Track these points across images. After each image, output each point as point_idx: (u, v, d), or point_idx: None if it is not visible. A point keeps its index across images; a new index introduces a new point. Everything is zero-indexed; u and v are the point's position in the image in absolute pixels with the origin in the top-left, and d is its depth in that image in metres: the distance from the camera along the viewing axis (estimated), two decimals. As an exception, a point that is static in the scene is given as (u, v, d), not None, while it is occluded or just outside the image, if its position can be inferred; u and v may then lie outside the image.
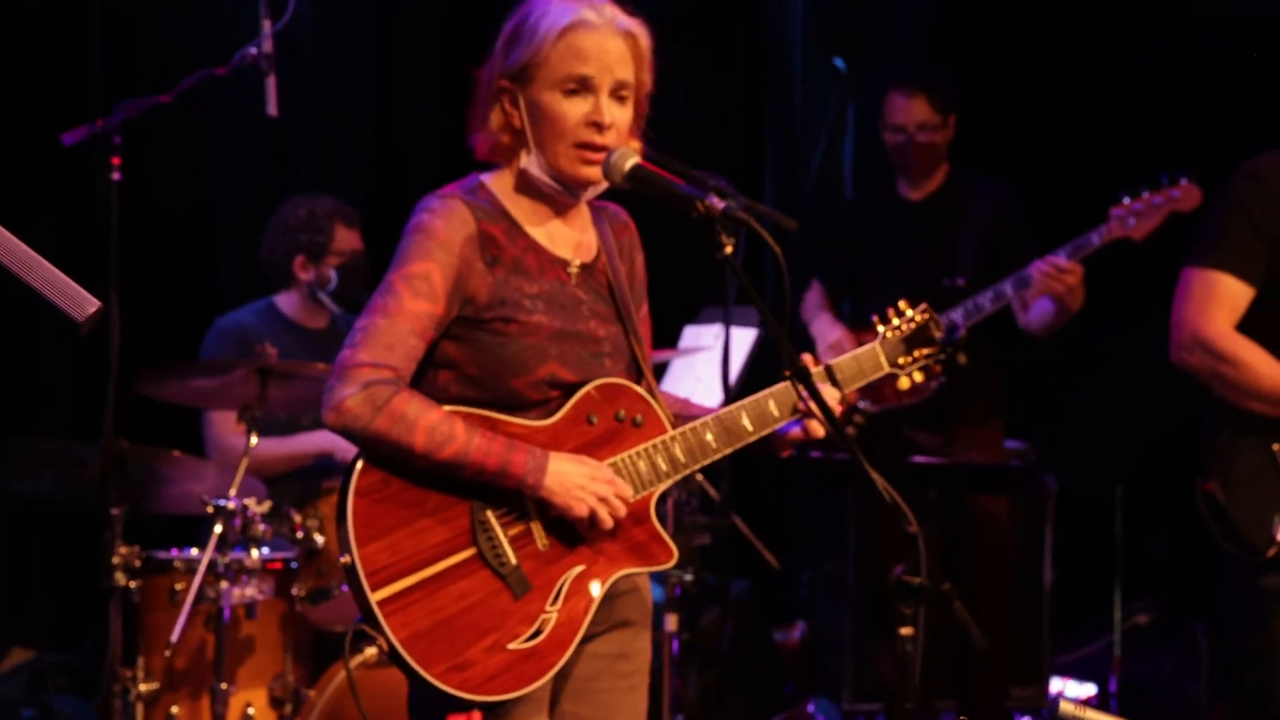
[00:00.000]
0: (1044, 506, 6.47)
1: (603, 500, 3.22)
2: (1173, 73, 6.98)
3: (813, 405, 3.29)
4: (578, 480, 3.20)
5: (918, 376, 3.64)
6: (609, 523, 3.23)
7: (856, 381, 3.53)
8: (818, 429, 3.40)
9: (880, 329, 3.61)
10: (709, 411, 3.43)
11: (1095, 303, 5.84)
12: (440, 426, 3.14)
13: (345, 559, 3.13)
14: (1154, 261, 5.71)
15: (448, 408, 3.20)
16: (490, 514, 3.20)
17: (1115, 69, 7.22)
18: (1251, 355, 4.42)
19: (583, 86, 3.27)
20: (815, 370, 3.40)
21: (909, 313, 3.64)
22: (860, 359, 3.56)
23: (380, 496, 3.16)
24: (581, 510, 3.20)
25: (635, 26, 3.33)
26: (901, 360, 3.61)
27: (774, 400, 3.40)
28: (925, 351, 3.63)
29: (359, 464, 3.17)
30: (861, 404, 6.03)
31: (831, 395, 3.38)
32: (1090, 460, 7.04)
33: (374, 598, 3.09)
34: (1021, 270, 5.82)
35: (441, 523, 3.18)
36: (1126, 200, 5.71)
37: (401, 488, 3.17)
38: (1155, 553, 7.04)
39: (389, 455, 3.15)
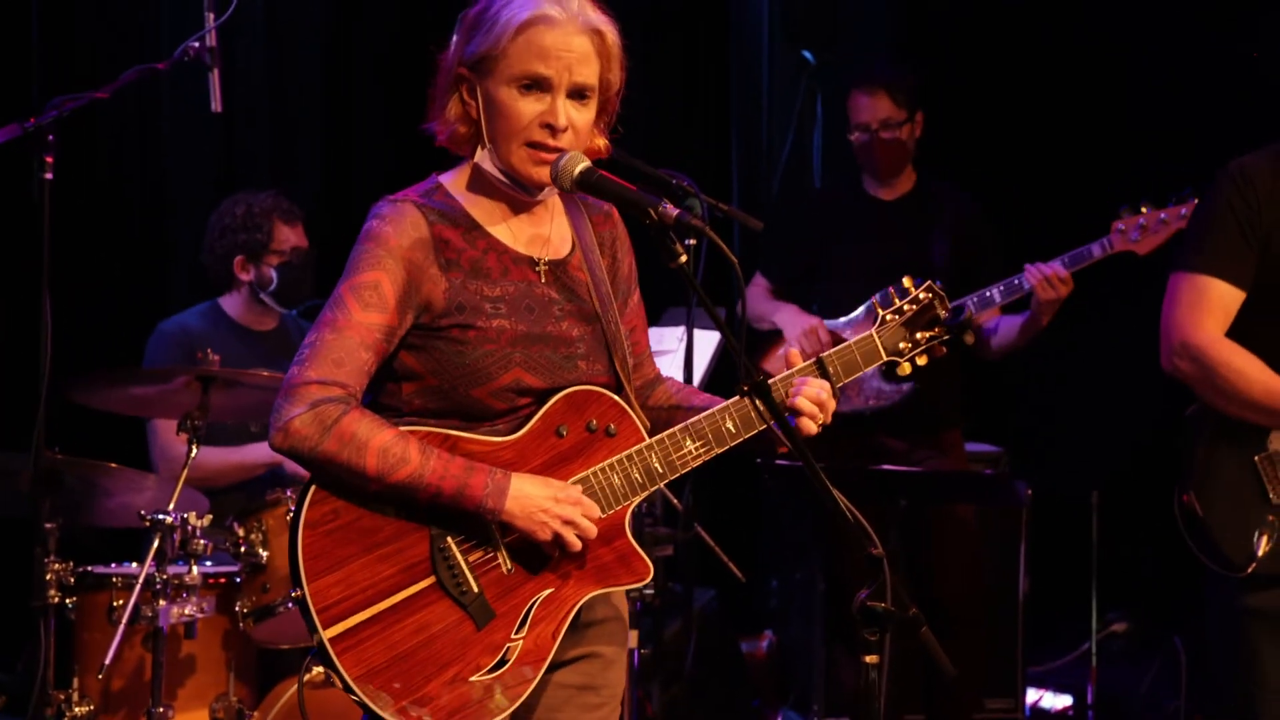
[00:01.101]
0: (1018, 515, 6.37)
1: (569, 523, 3.09)
2: (1157, 68, 6.89)
3: (770, 422, 3.17)
4: (541, 503, 3.08)
5: (920, 361, 3.45)
6: (576, 546, 3.11)
7: (852, 372, 3.37)
8: (809, 426, 3.24)
9: (880, 313, 3.43)
10: (714, 401, 3.29)
11: (1071, 306, 5.71)
12: (393, 448, 3.01)
13: (297, 593, 3.03)
14: (1131, 264, 5.63)
15: (405, 426, 3.09)
16: (450, 540, 3.09)
17: (1090, 62, 7.15)
18: (1243, 362, 4.31)
19: (539, 85, 3.14)
20: (805, 364, 3.28)
21: (913, 291, 3.46)
22: (856, 348, 3.39)
23: (332, 527, 3.04)
24: (545, 534, 3.09)
25: (603, 24, 3.19)
26: (903, 345, 3.44)
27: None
28: (929, 334, 3.45)
29: (309, 493, 3.05)
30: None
31: (819, 385, 3.24)
32: (1066, 466, 6.96)
33: (326, 635, 3.00)
34: (1013, 277, 5.73)
35: (398, 551, 3.07)
36: (1128, 213, 5.64)
37: (355, 516, 3.05)
38: (1132, 560, 6.95)
39: (339, 479, 3.03)
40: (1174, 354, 4.38)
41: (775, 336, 6.15)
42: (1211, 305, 4.33)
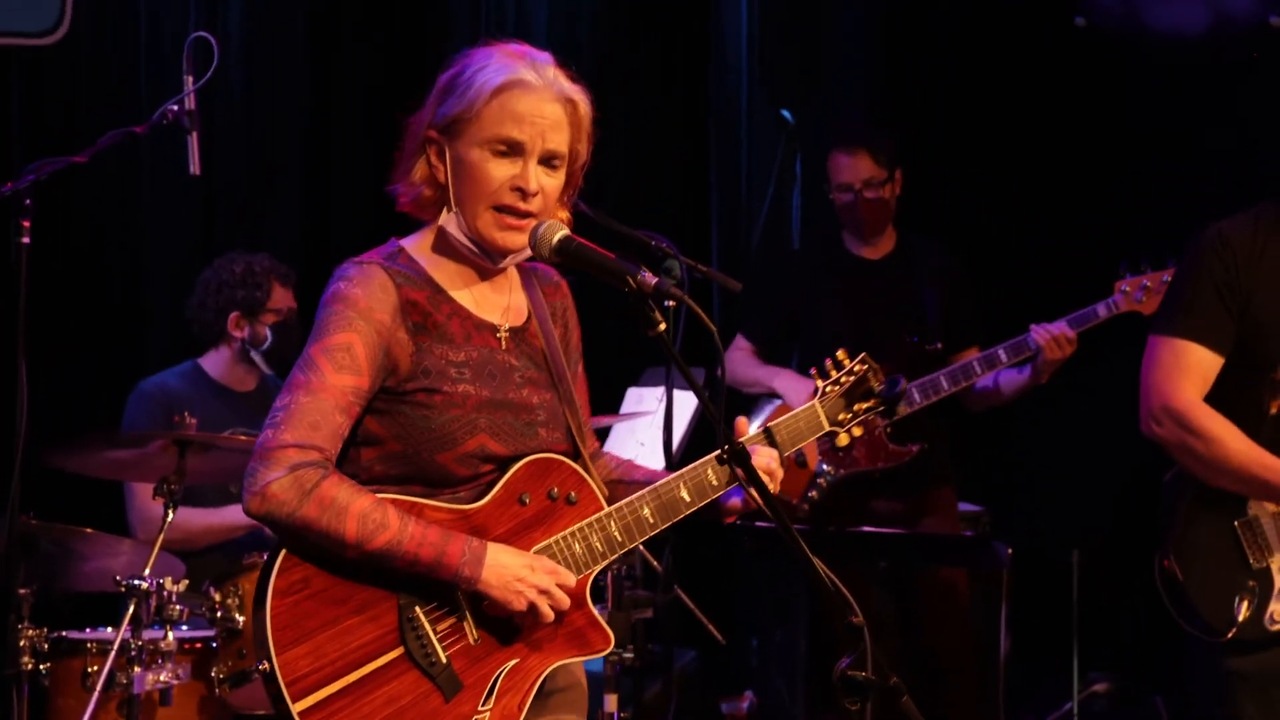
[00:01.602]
0: (999, 576, 6.35)
1: (544, 592, 3.08)
2: (1125, 130, 6.91)
3: (749, 488, 3.18)
4: (517, 572, 3.06)
5: (856, 432, 3.51)
6: (550, 616, 3.09)
7: (797, 442, 3.42)
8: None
9: (819, 384, 3.49)
10: (655, 474, 3.32)
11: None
12: (372, 514, 2.98)
13: (264, 666, 2.97)
14: (1110, 324, 5.64)
15: (373, 491, 3.05)
16: (418, 609, 3.06)
17: (1061, 118, 7.13)
18: (1221, 430, 4.29)
19: (512, 149, 3.14)
20: (751, 435, 3.30)
21: (848, 364, 3.52)
22: (801, 418, 3.44)
23: (301, 596, 3.00)
24: (521, 604, 3.06)
25: (576, 93, 3.20)
26: (842, 416, 3.50)
27: (713, 469, 3.28)
28: (865, 405, 3.51)
29: (279, 559, 3.00)
30: (825, 467, 5.88)
31: (769, 455, 3.27)
32: (1047, 525, 6.94)
33: (295, 709, 2.95)
34: (1020, 338, 5.78)
35: (367, 621, 3.03)
36: (1129, 273, 5.69)
37: (324, 585, 3.01)
38: (1114, 620, 6.93)
39: (315, 545, 2.99)
40: (1153, 418, 4.37)
41: (764, 400, 6.13)
42: (1190, 370, 4.32)
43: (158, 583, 4.67)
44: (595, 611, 3.20)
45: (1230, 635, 4.24)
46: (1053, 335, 5.69)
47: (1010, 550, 5.67)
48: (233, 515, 5.66)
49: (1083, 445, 6.94)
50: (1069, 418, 6.78)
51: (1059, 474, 7.12)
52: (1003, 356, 5.79)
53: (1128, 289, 5.66)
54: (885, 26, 7.57)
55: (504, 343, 3.23)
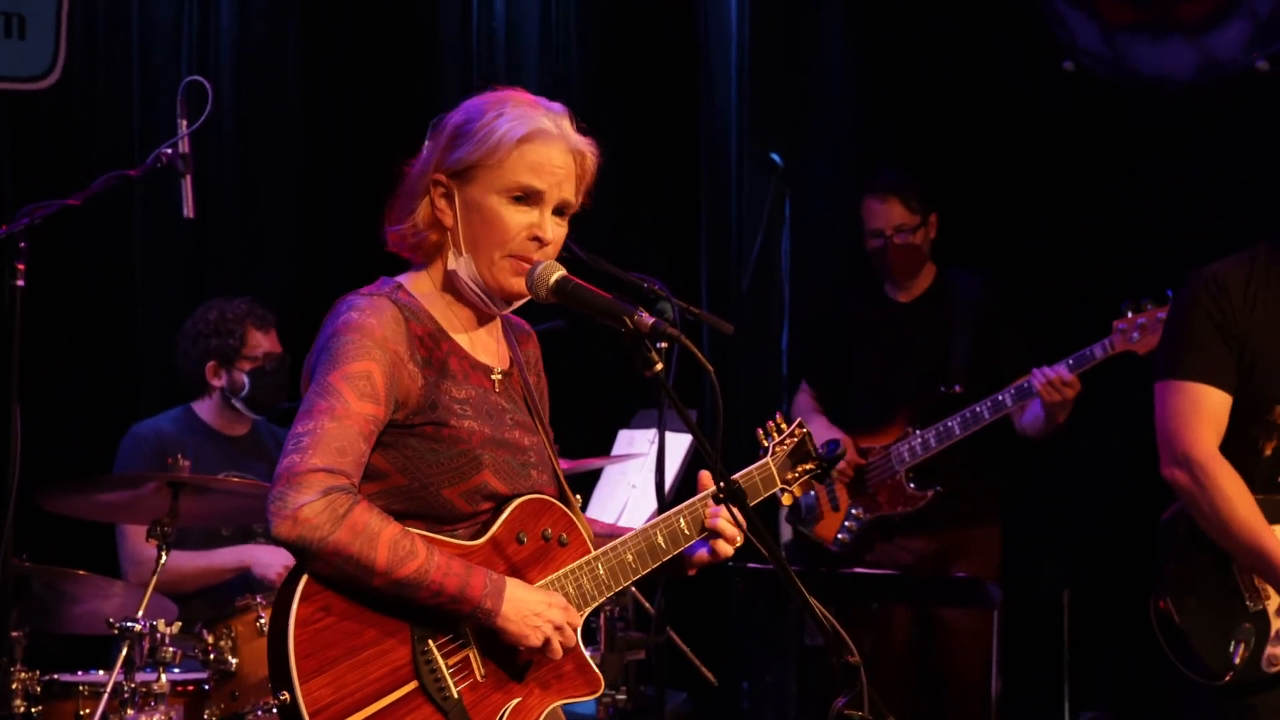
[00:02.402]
0: (989, 616, 6.34)
1: (558, 628, 3.10)
2: (1116, 163, 6.94)
3: (745, 528, 3.20)
4: (535, 607, 3.08)
5: (797, 491, 3.59)
6: (560, 653, 3.11)
7: (755, 498, 3.48)
8: (725, 549, 3.34)
9: (766, 444, 3.58)
10: (615, 529, 3.39)
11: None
12: (402, 541, 2.98)
13: (284, 696, 2.93)
14: (1102, 366, 5.65)
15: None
16: (431, 643, 3.06)
17: (1052, 161, 7.15)
18: (1234, 492, 4.28)
19: (530, 198, 3.17)
20: (711, 490, 3.30)
21: (786, 428, 3.60)
22: (756, 474, 3.52)
23: (322, 625, 2.97)
24: (537, 640, 3.08)
25: (586, 146, 3.24)
26: (789, 475, 3.57)
27: (684, 517, 3.33)
28: (806, 467, 3.60)
29: (300, 587, 2.97)
30: (855, 509, 5.93)
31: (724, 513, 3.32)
32: (1037, 565, 6.93)
33: None
34: (1022, 381, 5.79)
35: (382, 653, 3.02)
36: (1129, 310, 5.66)
37: (342, 614, 2.99)
38: (1105, 660, 6.91)
39: (343, 571, 2.96)
40: (1175, 463, 4.35)
41: None
42: (1207, 415, 4.32)
43: (151, 624, 4.65)
44: (586, 654, 3.22)
45: (1228, 678, 4.23)
46: (1049, 379, 5.70)
47: (1001, 591, 5.69)
48: (222, 558, 5.66)
49: (1073, 485, 6.95)
50: (1060, 458, 6.79)
51: (1049, 514, 7.12)
52: (1007, 401, 5.80)
53: (1124, 328, 5.64)
54: (874, 71, 7.60)
55: (497, 385, 3.25)
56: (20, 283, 4.69)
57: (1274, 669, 4.24)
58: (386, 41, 7.40)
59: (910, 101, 7.44)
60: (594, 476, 6.23)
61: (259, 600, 4.84)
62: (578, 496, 3.38)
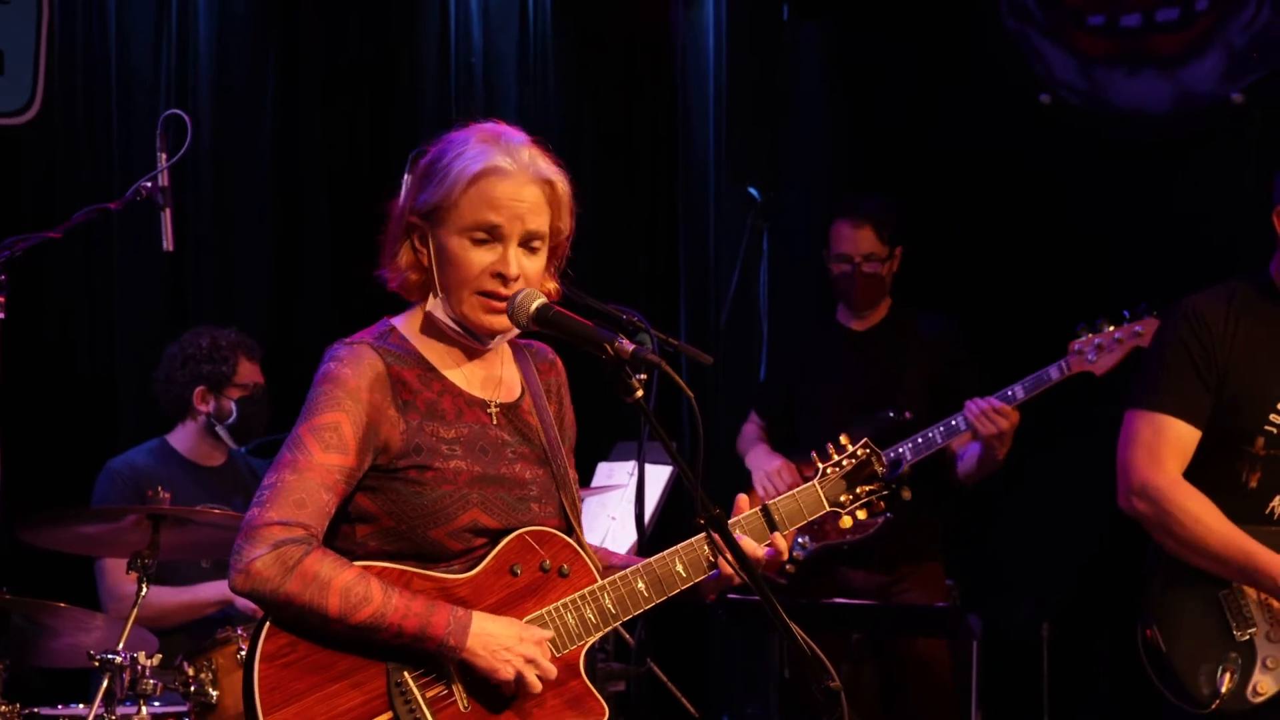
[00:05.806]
0: (969, 648, 6.34)
1: (531, 661, 3.10)
2: (1089, 193, 6.97)
3: (727, 554, 3.17)
4: (504, 641, 3.08)
5: (861, 514, 3.54)
6: (537, 686, 3.11)
7: (796, 521, 3.44)
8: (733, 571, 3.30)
9: (820, 465, 3.52)
10: (631, 560, 3.35)
11: (1019, 435, 5.70)
12: (355, 587, 3.00)
13: None
14: (1076, 393, 5.65)
15: (361, 564, 3.07)
16: (407, 675, 3.07)
17: (1026, 195, 7.18)
18: (1200, 509, 4.30)
19: (491, 235, 3.17)
20: (750, 512, 3.34)
21: (850, 448, 3.54)
22: (799, 497, 3.47)
23: (288, 660, 3.01)
24: (508, 673, 3.08)
25: (554, 173, 3.24)
26: (843, 498, 3.52)
27: (710, 545, 3.31)
28: (868, 488, 3.53)
29: (265, 626, 3.02)
30: (801, 539, 5.88)
31: (749, 545, 3.29)
32: (1016, 597, 6.93)
33: None
34: (957, 414, 5.68)
35: (354, 686, 3.04)
36: (1086, 333, 5.58)
37: (310, 649, 3.03)
38: (1084, 692, 6.92)
39: (299, 618, 3.02)
40: (1132, 494, 4.37)
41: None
42: (1170, 445, 4.33)
43: (131, 657, 4.63)
44: (589, 683, 3.22)
45: (1214, 707, 4.23)
46: (981, 410, 5.57)
47: (980, 623, 5.68)
48: (204, 593, 5.64)
49: (1051, 517, 6.95)
50: (1037, 489, 6.81)
51: (1027, 546, 7.13)
52: (937, 438, 5.67)
53: (1080, 348, 5.55)
54: (851, 106, 7.64)
55: (495, 418, 3.26)
56: (0, 315, 4.70)
57: (1259, 699, 4.25)
58: (364, 74, 7.41)
59: (887, 136, 7.47)
60: (574, 508, 6.22)
61: (240, 632, 4.82)
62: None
